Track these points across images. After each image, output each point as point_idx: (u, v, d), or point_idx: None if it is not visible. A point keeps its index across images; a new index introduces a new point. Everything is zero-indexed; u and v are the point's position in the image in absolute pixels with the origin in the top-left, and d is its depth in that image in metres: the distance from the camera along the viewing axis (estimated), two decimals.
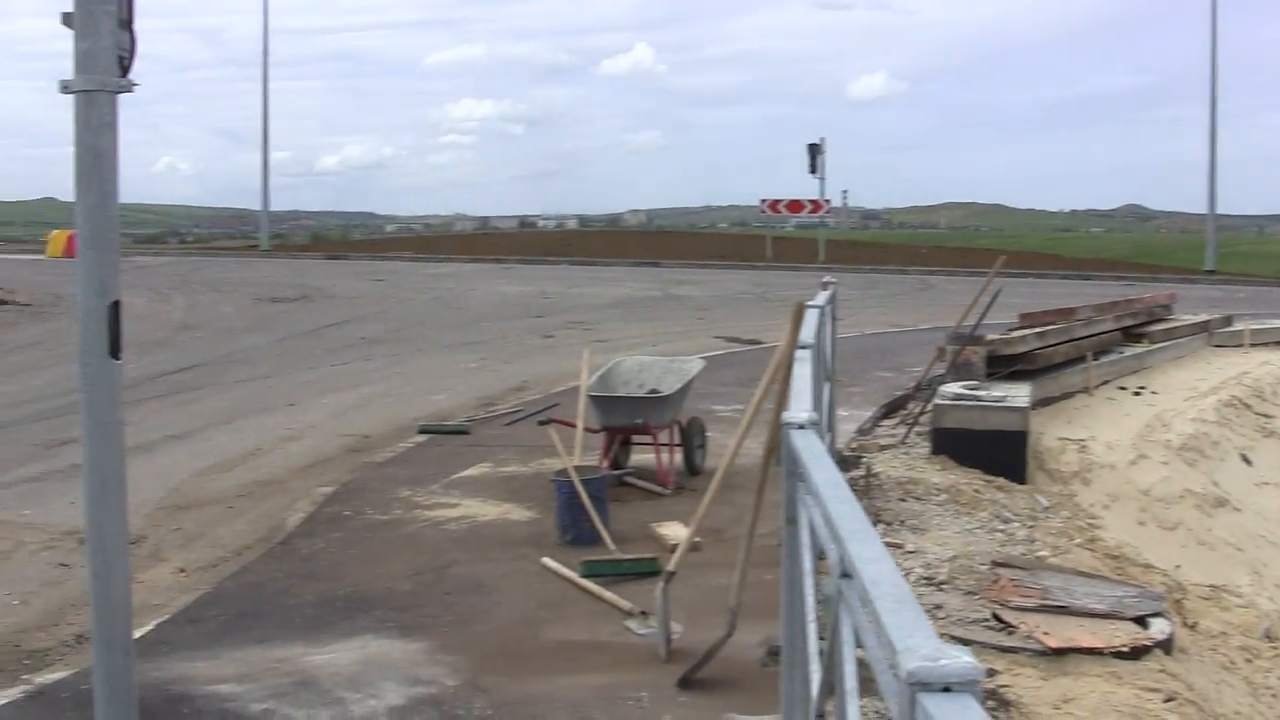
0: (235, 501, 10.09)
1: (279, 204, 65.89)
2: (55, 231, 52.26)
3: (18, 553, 8.65)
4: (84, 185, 4.69)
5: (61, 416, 13.35)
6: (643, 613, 6.83)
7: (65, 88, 4.74)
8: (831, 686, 3.13)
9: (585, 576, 7.58)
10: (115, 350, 4.62)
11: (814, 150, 46.24)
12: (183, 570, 8.24)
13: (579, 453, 9.27)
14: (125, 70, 4.81)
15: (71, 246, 46.75)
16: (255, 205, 55.28)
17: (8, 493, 10.32)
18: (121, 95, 4.79)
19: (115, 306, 4.63)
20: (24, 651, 6.80)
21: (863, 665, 2.74)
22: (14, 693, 5.79)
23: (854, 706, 2.88)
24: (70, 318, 21.20)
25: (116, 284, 4.67)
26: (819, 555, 3.56)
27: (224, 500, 10.12)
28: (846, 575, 2.72)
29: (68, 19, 4.71)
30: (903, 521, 8.94)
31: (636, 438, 10.34)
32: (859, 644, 2.76)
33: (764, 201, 48.29)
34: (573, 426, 9.75)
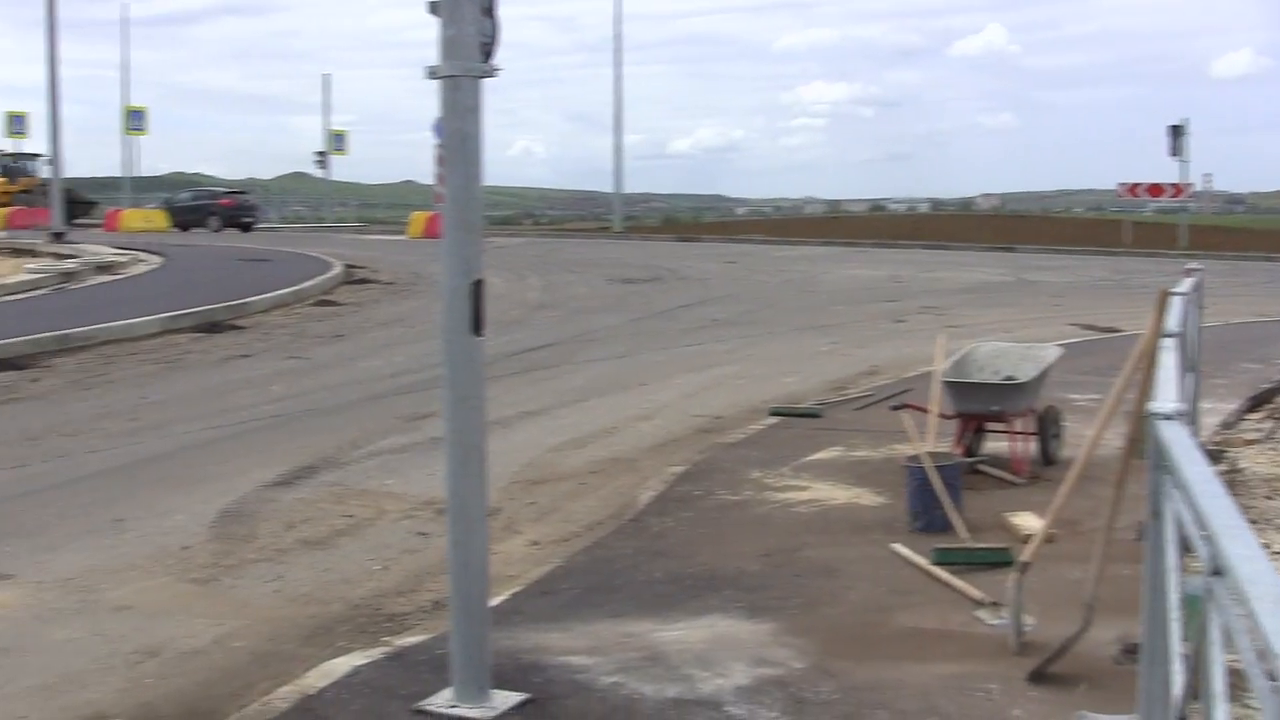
0: (587, 478, 10.36)
1: (631, 186, 67.26)
2: (415, 213, 54.59)
3: (380, 520, 9.09)
4: (450, 168, 4.91)
5: (422, 391, 13.96)
6: (994, 603, 6.73)
7: (432, 73, 4.97)
8: (1195, 689, 3.04)
9: (936, 564, 7.51)
10: (478, 327, 4.82)
11: (1176, 132, 44.61)
12: (536, 543, 8.53)
13: (932, 439, 9.18)
14: (488, 56, 5.01)
15: (431, 227, 48.91)
16: (607, 188, 56.53)
17: (371, 463, 10.86)
18: (484, 80, 4.99)
19: (478, 285, 4.83)
20: (384, 615, 7.16)
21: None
22: (375, 653, 6.09)
23: (1223, 711, 2.79)
24: (430, 295, 22.19)
25: (480, 263, 4.87)
26: (1184, 551, 3.45)
27: (576, 476, 10.42)
28: (1218, 573, 2.63)
29: (434, 7, 4.92)
30: (1269, 520, 8.55)
31: (990, 425, 10.17)
32: (1229, 646, 2.67)
33: (1122, 185, 46.79)
34: (926, 412, 9.65)
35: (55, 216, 42.73)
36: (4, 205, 58.83)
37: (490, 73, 4.96)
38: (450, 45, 4.87)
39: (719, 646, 6.22)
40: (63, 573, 7.86)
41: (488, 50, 4.99)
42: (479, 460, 4.94)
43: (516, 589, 7.16)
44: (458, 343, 4.82)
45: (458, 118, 4.87)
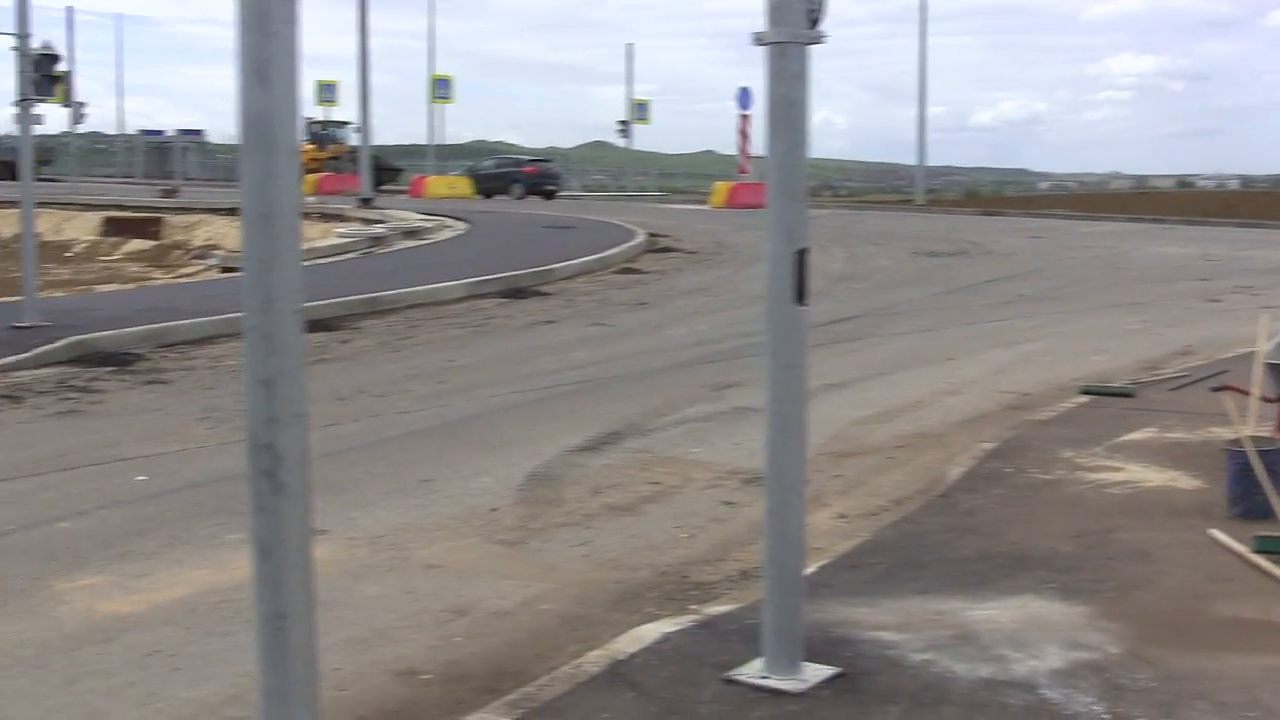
0: (894, 452, 10.33)
1: (932, 159, 66.32)
2: (718, 183, 54.90)
3: (686, 489, 9.23)
4: (775, 135, 4.95)
5: (727, 360, 14.10)
6: None
7: (758, 39, 5.01)
8: None
9: (1257, 552, 7.25)
10: (801, 296, 4.86)
11: None
12: (843, 516, 8.54)
13: (1254, 423, 8.86)
14: (814, 23, 5.02)
15: (734, 197, 49.12)
16: (906, 160, 55.90)
17: (676, 431, 11.02)
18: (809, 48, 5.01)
19: (802, 254, 4.87)
20: (692, 583, 7.27)
21: None
22: (684, 621, 6.19)
23: None
24: (734, 265, 22.34)
25: (805, 231, 4.90)
26: None
27: (883, 450, 10.39)
28: None
29: None
30: None
31: None
32: None
33: None
34: (1247, 394, 9.31)
35: (364, 183, 44.32)
36: (313, 171, 61.26)
37: (817, 39, 4.98)
38: (777, 11, 4.90)
39: (1031, 627, 6.14)
40: (373, 530, 8.20)
41: (814, 17, 5.01)
42: (799, 430, 4.98)
43: (824, 561, 7.18)
44: (780, 312, 4.87)
45: (783, 84, 4.90)
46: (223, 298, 18.52)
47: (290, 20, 3.25)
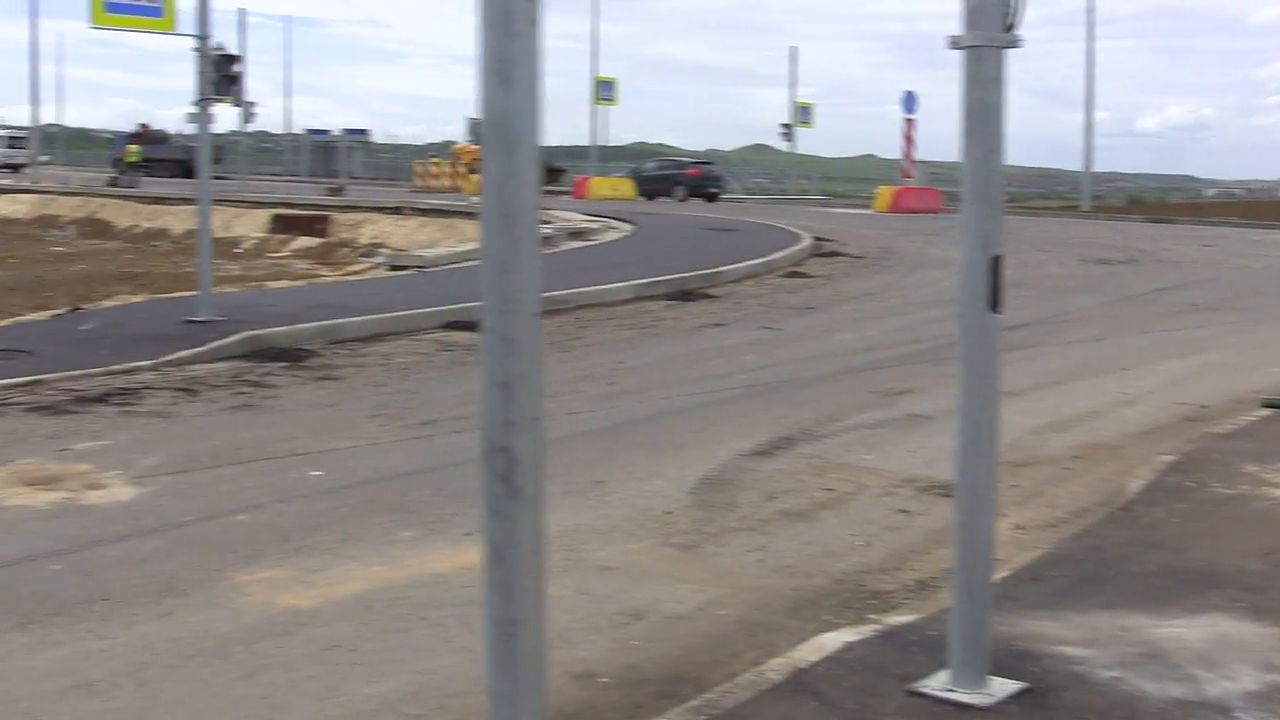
0: (1070, 462, 10.16)
1: (1097, 164, 65.17)
2: (882, 187, 54.56)
3: (860, 496, 9.17)
4: (970, 139, 4.89)
5: (896, 366, 14.01)
6: None
7: (954, 44, 4.96)
8: None
9: None
10: (995, 303, 4.80)
11: None
12: (1021, 527, 8.43)
13: None
14: (1010, 27, 4.96)
15: (898, 202, 48.78)
16: (1068, 165, 55.06)
17: (849, 437, 10.95)
18: (1006, 51, 4.95)
19: (996, 260, 4.81)
20: (868, 591, 7.23)
21: None
22: (865, 630, 6.14)
23: None
24: (901, 270, 22.17)
25: (999, 238, 4.84)
26: None
27: (1059, 460, 10.22)
28: None
29: None
30: None
31: None
32: None
33: None
34: None
35: None
36: (475, 171, 62.05)
37: (1014, 43, 4.92)
38: (974, 15, 4.85)
39: (1222, 647, 6.00)
40: (550, 529, 8.25)
41: (1010, 21, 4.95)
42: (991, 439, 4.93)
43: (1005, 573, 7.08)
44: (974, 319, 4.81)
45: (980, 88, 4.85)
46: (391, 296, 18.87)
47: (533, 21, 3.26)
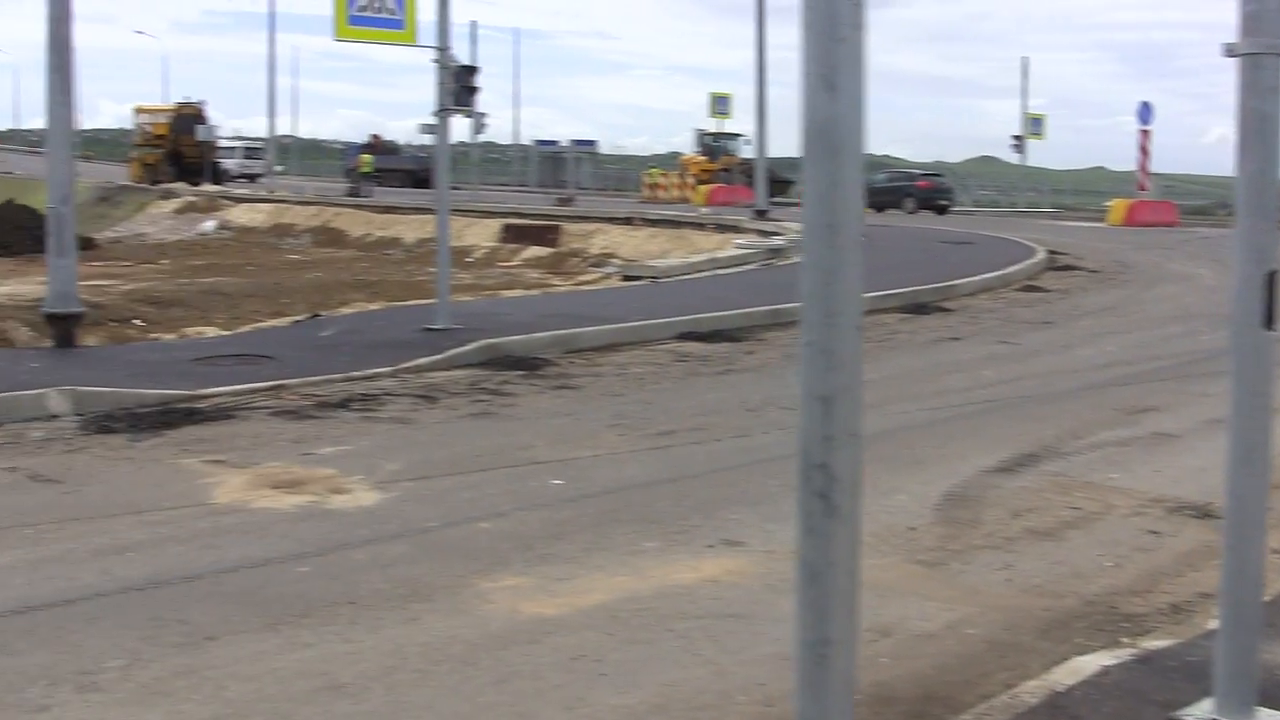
0: None
1: None
2: (1116, 200, 53.33)
3: (1107, 516, 8.97)
4: (1245, 151, 4.76)
5: (1140, 384, 13.70)
6: None
7: (1229, 51, 4.83)
8: None
9: None
10: (1270, 320, 4.67)
11: None
12: (1278, 551, 8.16)
13: None
14: None
15: (1132, 215, 47.59)
16: None
17: (1093, 455, 10.73)
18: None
19: (1272, 276, 4.67)
20: (1120, 614, 7.06)
21: None
22: (1122, 654, 6.01)
23: None
24: (1140, 285, 21.61)
25: (1275, 252, 4.71)
26: None
27: None
28: None
29: None
30: None
31: None
32: None
33: None
34: None
35: (759, 194, 44.73)
36: (704, 183, 62.27)
37: None
38: (1252, 21, 4.72)
39: None
40: (791, 544, 8.22)
41: None
42: (1264, 459, 4.79)
43: (1265, 599, 6.86)
44: (1247, 335, 4.68)
45: (1257, 97, 4.71)
46: (625, 306, 19.04)
47: (859, 26, 3.26)
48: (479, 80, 16.73)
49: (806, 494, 3.42)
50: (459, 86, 16.19)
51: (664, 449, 10.96)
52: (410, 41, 16.04)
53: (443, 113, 16.40)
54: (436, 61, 16.22)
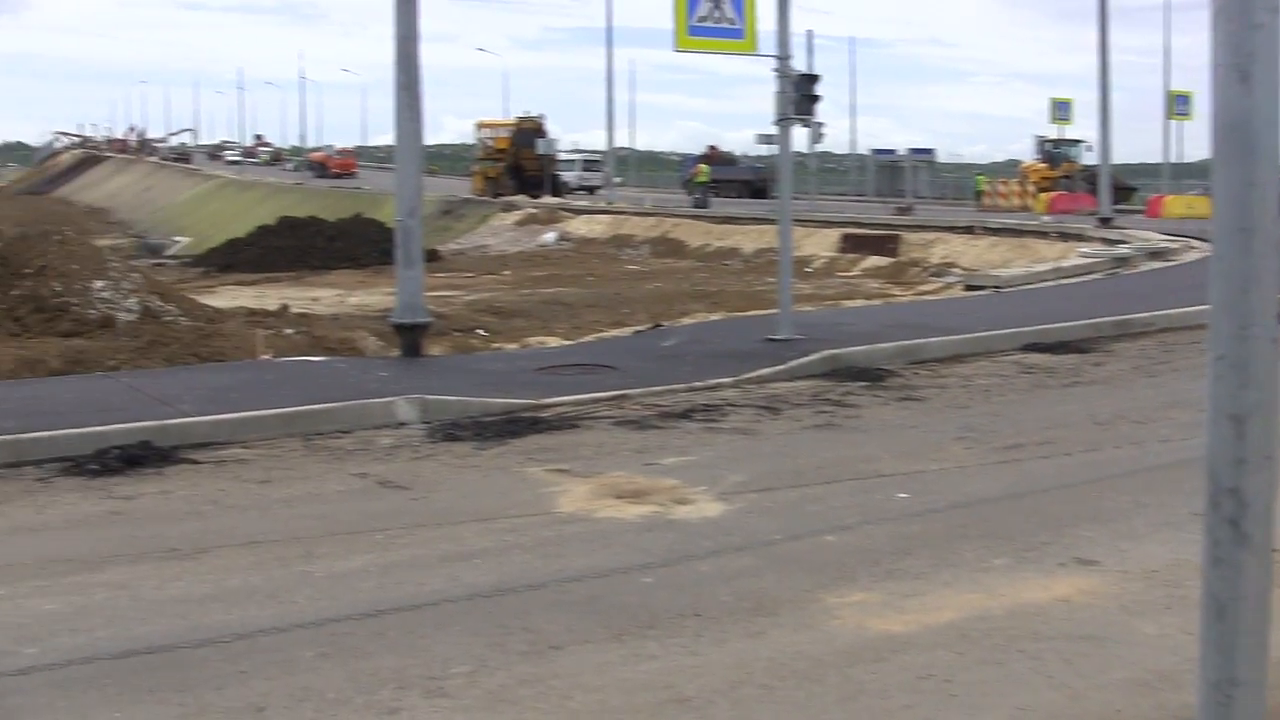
0: None
1: None
2: None
3: None
4: None
5: None
6: None
7: None
8: None
9: None
10: None
11: None
12: None
13: None
14: None
15: None
16: None
17: None
18: None
19: None
20: None
21: None
22: None
23: None
24: None
25: None
26: None
27: None
28: None
29: None
30: None
31: None
32: None
33: None
34: None
35: (1103, 202, 43.46)
36: (1044, 190, 60.74)
37: None
38: None
39: None
40: (1146, 564, 7.86)
41: None
42: None
43: None
44: None
45: None
46: (969, 316, 18.69)
47: (1275, 9, 3.02)
48: (819, 89, 16.60)
49: (1214, 520, 3.16)
50: (799, 95, 16.10)
51: (1011, 463, 10.63)
52: (750, 51, 15.99)
53: (784, 122, 16.33)
54: (777, 71, 16.15)
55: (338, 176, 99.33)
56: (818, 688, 6.08)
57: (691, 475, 10.09)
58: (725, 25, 15.50)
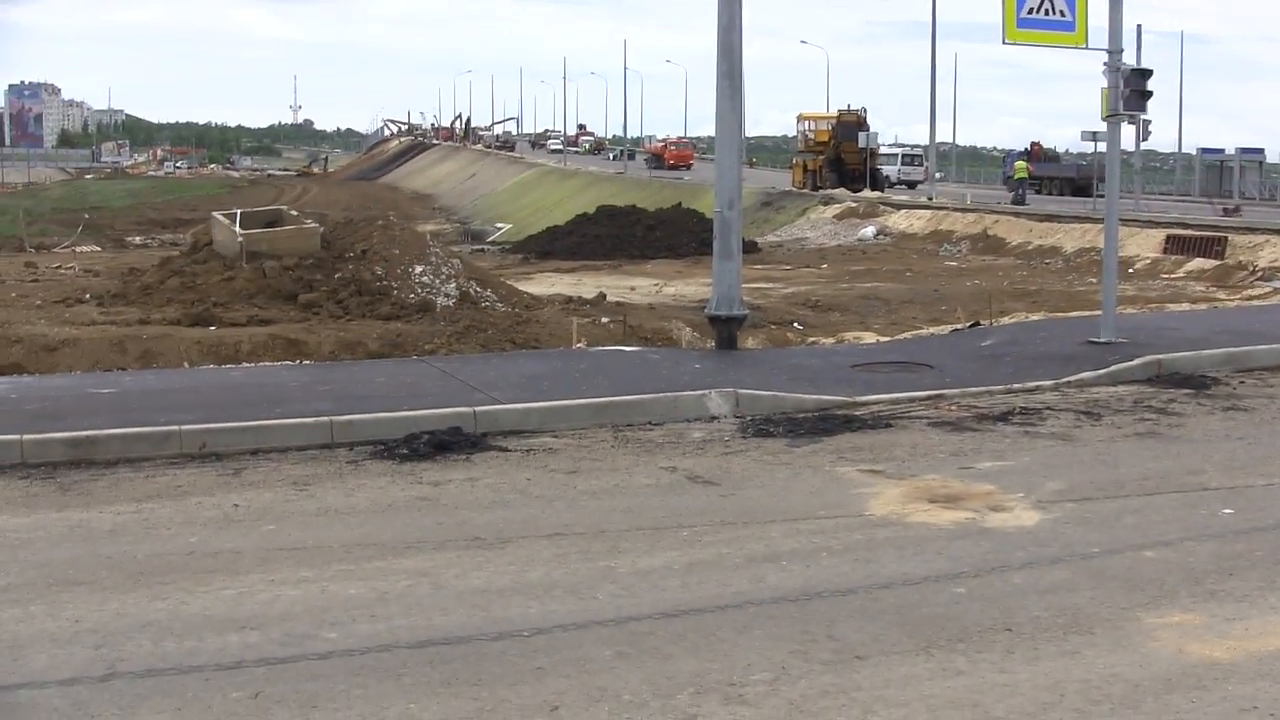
0: None
1: None
2: None
3: None
4: None
5: None
6: None
7: None
8: None
9: None
10: None
11: None
12: None
13: None
14: None
15: None
16: None
17: None
18: None
19: None
20: None
21: None
22: None
23: None
24: None
25: None
26: None
27: None
28: None
29: None
30: None
31: None
32: None
33: None
34: None
35: None
36: None
37: None
38: None
39: None
40: None
41: None
42: None
43: None
44: None
45: None
46: None
47: None
48: (1150, 84, 15.87)
49: None
50: (1130, 91, 15.41)
51: None
52: (1081, 44, 15.37)
53: (1114, 118, 15.68)
54: (1107, 65, 15.51)
55: (674, 168, 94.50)
56: (1133, 714, 5.78)
57: (1008, 481, 9.73)
58: (1056, 18, 14.94)
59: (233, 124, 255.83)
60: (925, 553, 8.08)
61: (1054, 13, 14.92)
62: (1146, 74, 15.73)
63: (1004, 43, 14.92)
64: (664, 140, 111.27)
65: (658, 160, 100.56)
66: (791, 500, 9.34)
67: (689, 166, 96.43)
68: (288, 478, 9.98)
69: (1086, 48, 15.53)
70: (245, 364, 15.98)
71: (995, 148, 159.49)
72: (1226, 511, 9.02)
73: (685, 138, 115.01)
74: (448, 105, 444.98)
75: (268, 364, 15.91)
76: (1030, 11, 14.85)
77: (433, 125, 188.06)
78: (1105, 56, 15.58)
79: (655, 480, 9.92)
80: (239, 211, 23.47)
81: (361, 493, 9.57)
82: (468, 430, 11.07)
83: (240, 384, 13.12)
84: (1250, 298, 27.02)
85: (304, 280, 20.55)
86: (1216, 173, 76.50)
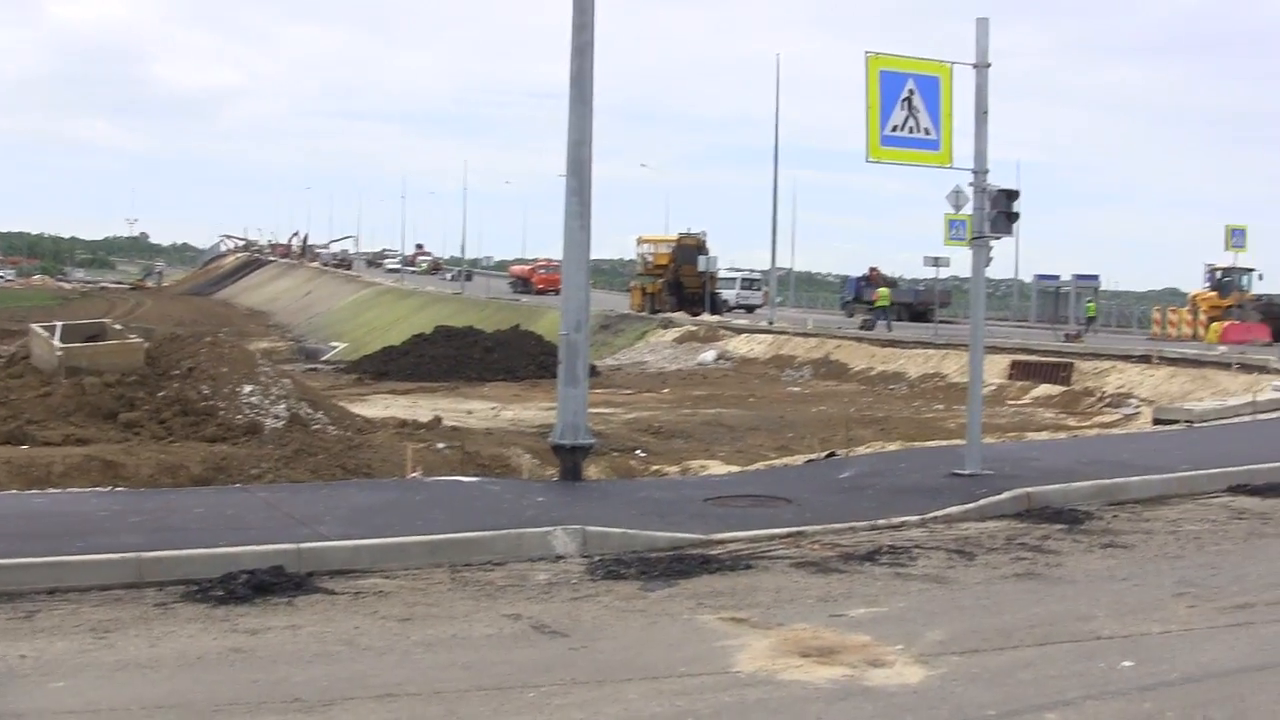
0: None
1: None
2: None
3: None
4: None
5: None
6: None
7: None
8: None
9: None
10: None
11: None
12: None
13: None
14: None
15: None
16: None
17: None
18: None
19: None
20: None
21: None
22: None
23: None
24: None
25: None
26: None
27: None
28: None
29: None
30: None
31: None
32: None
33: None
34: None
35: None
36: (1215, 320, 58.67)
37: None
38: None
39: None
40: None
41: None
42: None
43: None
44: None
45: None
46: (1166, 453, 17.41)
47: None
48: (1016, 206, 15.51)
49: None
50: (998, 213, 15.02)
51: (1244, 626, 9.35)
52: (946, 163, 14.96)
53: (979, 240, 15.24)
54: (973, 185, 15.14)
55: (542, 293, 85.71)
56: None
57: (884, 630, 8.94)
58: (920, 136, 14.49)
59: (67, 235, 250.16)
60: (805, 717, 7.23)
61: (919, 131, 14.47)
62: (1014, 195, 15.35)
63: (867, 161, 14.42)
64: (532, 262, 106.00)
65: (524, 284, 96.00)
66: (650, 654, 8.44)
67: (558, 292, 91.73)
68: (86, 623, 8.91)
69: (952, 167, 15.15)
70: (53, 489, 14.83)
71: (830, 273, 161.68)
72: (1126, 664, 8.30)
73: (554, 260, 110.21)
74: (285, 222, 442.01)
75: (76, 490, 14.78)
76: (894, 129, 14.37)
77: (270, 242, 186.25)
78: (970, 177, 15.22)
79: (498, 629, 8.97)
80: (60, 324, 22.38)
81: (169, 642, 8.52)
82: (291, 569, 10.08)
83: (43, 512, 12.04)
84: (1104, 425, 26.90)
85: (125, 398, 19.46)
86: (1052, 299, 77.88)
